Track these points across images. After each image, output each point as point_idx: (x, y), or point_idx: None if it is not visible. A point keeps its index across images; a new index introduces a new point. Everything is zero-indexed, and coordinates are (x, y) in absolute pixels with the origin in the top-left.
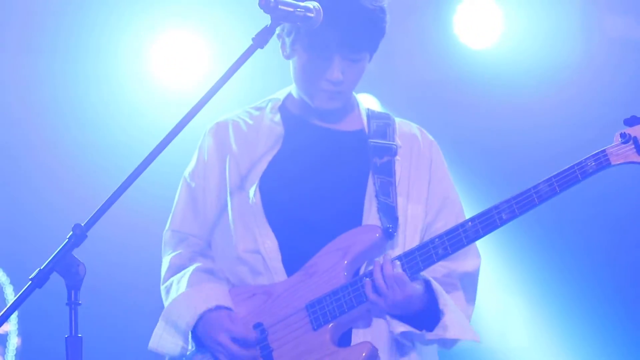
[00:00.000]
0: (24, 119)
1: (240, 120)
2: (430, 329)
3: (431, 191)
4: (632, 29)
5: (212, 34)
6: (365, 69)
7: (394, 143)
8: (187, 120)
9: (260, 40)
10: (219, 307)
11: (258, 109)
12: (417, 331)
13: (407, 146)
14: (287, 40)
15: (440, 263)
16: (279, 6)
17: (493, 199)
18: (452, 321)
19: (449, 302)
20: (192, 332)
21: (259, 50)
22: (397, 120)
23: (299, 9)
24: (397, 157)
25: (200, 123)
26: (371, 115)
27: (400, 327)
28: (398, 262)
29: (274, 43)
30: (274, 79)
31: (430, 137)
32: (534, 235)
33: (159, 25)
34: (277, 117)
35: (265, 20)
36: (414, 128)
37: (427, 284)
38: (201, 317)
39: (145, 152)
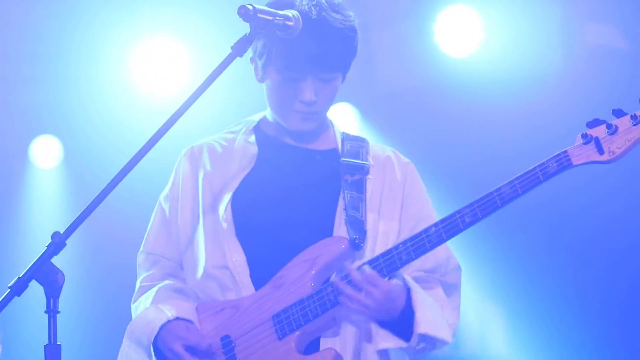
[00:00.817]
0: (3, 125)
1: (216, 143)
2: (409, 333)
3: (404, 211)
4: (613, 37)
5: (193, 42)
6: (340, 85)
7: (367, 162)
8: (167, 128)
9: (239, 48)
10: (178, 319)
11: (232, 132)
12: (405, 344)
13: (380, 167)
14: (259, 63)
15: (420, 271)
16: (258, 14)
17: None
18: (424, 317)
19: (421, 298)
20: (154, 346)
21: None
22: (372, 143)
23: (277, 18)
24: (369, 176)
25: (181, 132)
26: (346, 137)
27: (385, 343)
28: (366, 266)
29: None
30: (256, 92)
31: (405, 159)
32: (513, 241)
33: (140, 32)
34: (252, 138)
35: (246, 28)
36: (388, 151)
37: (404, 281)
38: (161, 329)
39: (126, 160)
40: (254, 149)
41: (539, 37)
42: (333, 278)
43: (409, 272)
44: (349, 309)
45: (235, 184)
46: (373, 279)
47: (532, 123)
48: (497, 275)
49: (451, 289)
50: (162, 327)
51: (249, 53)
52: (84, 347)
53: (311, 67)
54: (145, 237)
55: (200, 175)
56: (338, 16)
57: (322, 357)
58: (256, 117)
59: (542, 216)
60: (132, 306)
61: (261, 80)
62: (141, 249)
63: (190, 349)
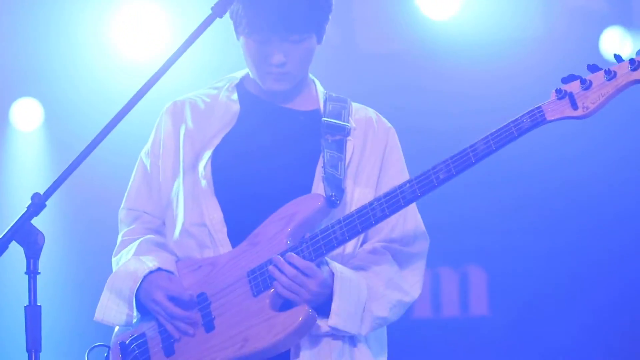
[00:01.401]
0: None
1: (198, 99)
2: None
3: (382, 176)
4: None
5: (173, 2)
6: (316, 45)
7: (348, 124)
8: (147, 89)
9: (219, 9)
10: (160, 270)
11: (216, 88)
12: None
13: (361, 129)
14: (232, 25)
15: (383, 242)
16: None
17: None
18: (339, 308)
19: (343, 286)
20: (136, 299)
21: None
22: (355, 105)
23: None
24: (350, 138)
25: (161, 93)
26: (328, 98)
27: (324, 327)
28: (292, 254)
29: None
30: (237, 51)
31: (388, 123)
32: (496, 201)
33: None
34: (234, 96)
35: None
36: (370, 112)
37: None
38: (143, 280)
39: (106, 121)
40: (236, 107)
41: None
42: (273, 263)
43: (372, 242)
44: (282, 296)
45: (215, 142)
46: (309, 270)
47: (513, 85)
48: (479, 236)
49: (416, 258)
50: (144, 278)
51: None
52: (64, 308)
53: (275, 29)
54: (126, 193)
55: (182, 131)
56: None
57: (295, 314)
58: (239, 74)
59: (529, 176)
60: (113, 260)
61: (238, 40)
62: (122, 204)
63: (173, 299)
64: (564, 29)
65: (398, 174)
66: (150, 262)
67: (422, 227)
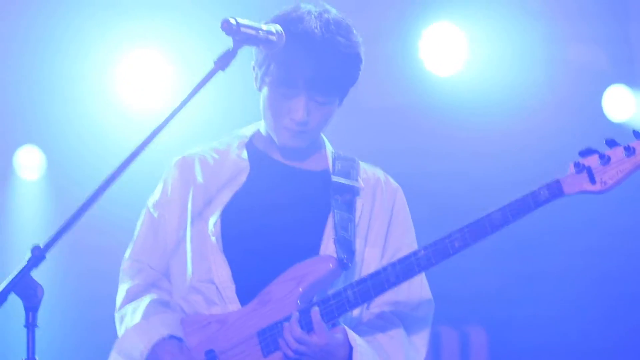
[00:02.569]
0: None
1: (207, 155)
2: None
3: (389, 236)
4: (596, 57)
5: (177, 55)
6: (336, 109)
7: (357, 184)
8: (149, 140)
9: (222, 62)
10: (172, 337)
11: (224, 144)
12: None
13: (369, 189)
14: (259, 73)
15: (389, 305)
16: (241, 29)
17: (456, 226)
18: None
19: (363, 350)
20: None
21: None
22: (362, 164)
23: (261, 32)
24: (359, 198)
25: (164, 144)
26: (337, 157)
27: None
28: (296, 314)
29: (242, 69)
30: (241, 104)
31: (395, 183)
32: (496, 262)
33: (124, 44)
34: (244, 154)
35: (230, 42)
36: (378, 172)
37: (346, 336)
38: (154, 346)
39: (109, 172)
40: (245, 165)
41: (522, 55)
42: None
43: (378, 304)
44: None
45: (225, 200)
46: (319, 328)
47: (516, 141)
48: (479, 296)
49: (421, 322)
50: (156, 344)
51: (251, 60)
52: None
53: (306, 87)
54: (132, 243)
55: (191, 187)
56: (342, 40)
57: None
58: (249, 132)
59: (527, 237)
60: (116, 315)
61: (259, 90)
62: (127, 254)
63: None
64: (567, 87)
65: (405, 233)
66: (162, 328)
67: (428, 291)
